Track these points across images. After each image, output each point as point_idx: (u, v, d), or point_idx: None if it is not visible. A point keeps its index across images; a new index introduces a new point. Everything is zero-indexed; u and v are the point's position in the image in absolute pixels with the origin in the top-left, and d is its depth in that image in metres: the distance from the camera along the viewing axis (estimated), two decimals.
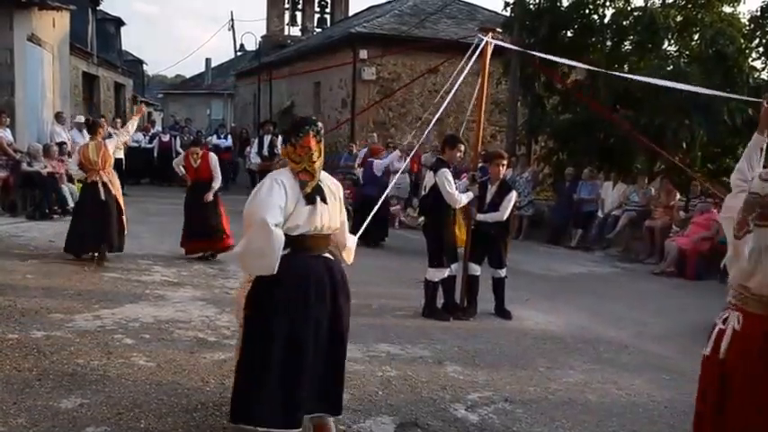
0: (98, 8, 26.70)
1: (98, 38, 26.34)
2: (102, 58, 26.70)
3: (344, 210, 4.33)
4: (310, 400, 3.99)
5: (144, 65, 41.39)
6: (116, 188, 9.60)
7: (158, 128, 27.87)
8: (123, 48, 33.25)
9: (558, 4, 16.12)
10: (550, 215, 15.16)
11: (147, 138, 21.70)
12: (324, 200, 3.99)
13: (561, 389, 5.76)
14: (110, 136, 10.89)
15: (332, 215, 4.06)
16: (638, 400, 5.66)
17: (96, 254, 9.33)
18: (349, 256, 4.45)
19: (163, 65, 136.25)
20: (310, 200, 3.92)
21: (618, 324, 8.13)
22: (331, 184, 4.14)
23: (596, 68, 11.99)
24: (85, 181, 9.55)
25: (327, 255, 4.12)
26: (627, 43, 15.80)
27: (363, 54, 21.01)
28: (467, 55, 8.14)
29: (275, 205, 3.82)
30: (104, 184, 9.31)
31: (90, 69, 24.96)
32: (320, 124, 4.15)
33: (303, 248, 3.97)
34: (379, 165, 13.10)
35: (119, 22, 31.23)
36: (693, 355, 6.92)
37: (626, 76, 11.00)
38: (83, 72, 24.00)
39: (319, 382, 4.02)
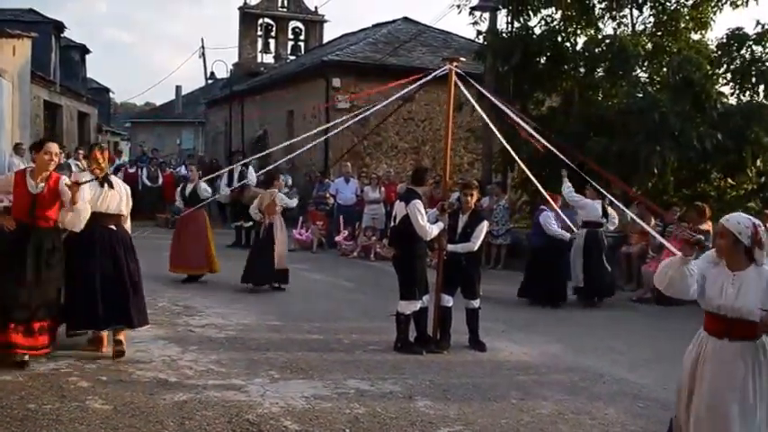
0: (62, 35, 26.28)
1: (62, 66, 25.86)
2: (66, 87, 26.15)
3: (130, 205, 6.95)
4: (108, 315, 6.51)
5: (111, 93, 40.52)
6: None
7: (125, 159, 26.97)
8: (89, 75, 32.94)
9: (531, 32, 16.13)
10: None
11: (111, 169, 21.04)
12: (111, 186, 6.71)
13: (533, 420, 5.66)
14: (69, 167, 10.63)
15: (111, 202, 6.71)
16: (612, 429, 5.58)
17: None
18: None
19: (133, 92, 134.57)
20: (101, 184, 6.64)
21: (594, 353, 8.01)
22: (121, 185, 6.94)
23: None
24: (263, 222, 11.02)
25: (112, 227, 6.73)
26: (599, 70, 15.84)
27: (336, 82, 20.80)
28: (424, 80, 8.28)
29: (85, 191, 6.44)
30: (271, 225, 10.90)
31: (52, 98, 24.46)
32: (104, 146, 6.78)
33: (96, 221, 6.57)
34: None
35: (84, 50, 30.90)
36: (669, 382, 6.80)
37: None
38: (44, 101, 23.48)
39: (112, 302, 6.52)
